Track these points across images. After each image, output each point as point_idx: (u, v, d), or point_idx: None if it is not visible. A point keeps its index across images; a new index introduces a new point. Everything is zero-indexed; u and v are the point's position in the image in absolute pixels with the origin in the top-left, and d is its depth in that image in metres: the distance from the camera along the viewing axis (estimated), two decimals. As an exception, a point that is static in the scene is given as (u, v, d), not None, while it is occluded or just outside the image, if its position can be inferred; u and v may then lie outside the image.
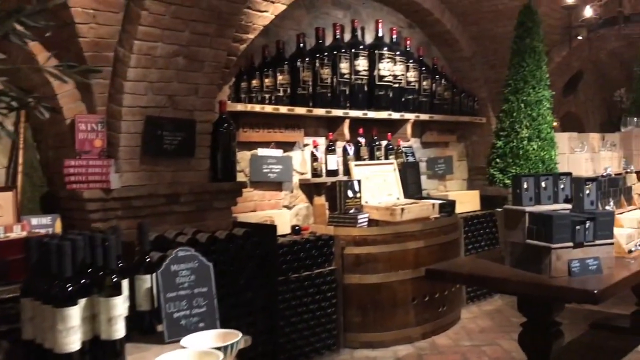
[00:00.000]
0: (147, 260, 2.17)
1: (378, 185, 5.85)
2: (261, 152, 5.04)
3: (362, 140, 5.84)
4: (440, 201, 5.97)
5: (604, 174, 4.04)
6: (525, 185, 3.58)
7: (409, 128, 6.22)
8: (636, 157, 4.93)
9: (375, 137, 5.99)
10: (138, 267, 2.16)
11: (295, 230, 5.06)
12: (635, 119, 5.31)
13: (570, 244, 3.37)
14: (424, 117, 6.38)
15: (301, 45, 5.24)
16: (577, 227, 3.37)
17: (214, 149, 4.18)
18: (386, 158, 6.12)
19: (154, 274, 2.14)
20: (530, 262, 3.49)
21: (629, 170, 4.47)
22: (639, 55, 5.84)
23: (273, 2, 4.16)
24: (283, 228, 4.98)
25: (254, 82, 4.85)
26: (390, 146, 6.16)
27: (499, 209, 3.82)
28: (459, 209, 6.69)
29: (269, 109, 4.86)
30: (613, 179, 4.14)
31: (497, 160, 3.79)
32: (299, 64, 5.13)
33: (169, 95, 3.76)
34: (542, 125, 3.67)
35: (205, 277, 2.24)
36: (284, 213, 5.10)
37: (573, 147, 4.03)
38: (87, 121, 3.55)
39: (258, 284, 3.97)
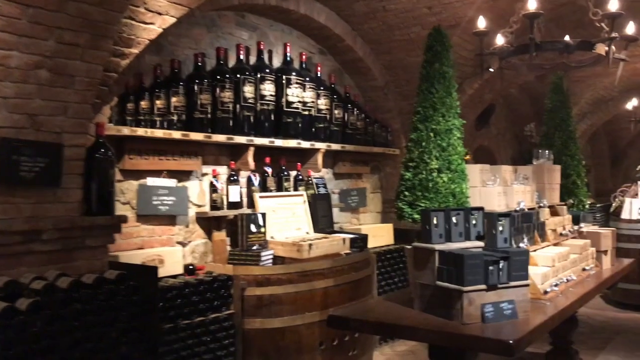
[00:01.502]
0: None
1: (286, 219, 5.42)
2: (151, 181, 4.49)
3: (268, 170, 5.41)
4: (351, 235, 5.61)
5: (517, 208, 3.80)
6: (434, 221, 3.27)
7: (319, 158, 5.87)
8: (548, 190, 4.79)
9: (284, 167, 5.59)
10: None
11: (189, 270, 4.52)
12: (546, 151, 5.21)
13: (483, 286, 3.07)
14: (335, 146, 6.05)
15: (200, 65, 4.78)
16: (490, 268, 3.07)
17: (88, 178, 3.61)
18: (295, 189, 5.72)
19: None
20: (441, 306, 3.15)
21: (542, 204, 4.28)
22: (549, 89, 5.83)
23: (160, 14, 3.70)
24: (174, 267, 4.44)
25: (143, 104, 4.33)
26: (300, 177, 5.77)
27: (408, 246, 3.48)
28: (373, 243, 6.37)
29: (159, 133, 4.35)
30: (526, 213, 3.91)
31: (406, 193, 3.47)
32: (196, 85, 4.67)
33: (30, 114, 3.19)
34: (453, 156, 3.39)
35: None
36: (176, 251, 4.55)
37: (485, 179, 3.79)
38: None
39: (136, 337, 3.40)
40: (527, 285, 3.20)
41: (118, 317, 3.30)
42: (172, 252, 4.50)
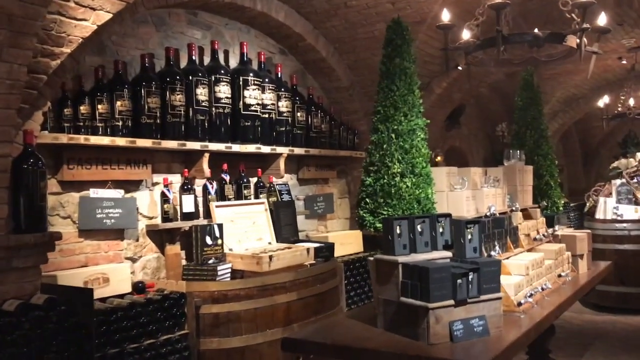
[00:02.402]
0: None
1: (245, 229, 5.09)
2: (94, 193, 4.13)
3: (226, 177, 5.07)
4: (316, 245, 5.30)
5: (488, 213, 3.53)
6: (397, 230, 2.98)
7: (281, 163, 5.55)
8: (521, 193, 4.54)
9: (243, 174, 5.26)
10: None
11: (139, 288, 4.17)
12: (517, 151, 4.98)
13: (451, 301, 2.78)
14: (298, 151, 5.75)
15: (147, 66, 4.44)
16: (459, 281, 2.79)
17: (15, 191, 3.25)
18: (256, 197, 5.39)
19: None
20: (406, 324, 2.86)
21: (514, 208, 4.03)
22: (519, 86, 5.61)
23: (94, 9, 3.35)
24: (121, 286, 4.08)
25: (83, 109, 3.98)
26: (261, 184, 5.45)
27: (371, 258, 3.19)
28: (341, 251, 6.07)
29: (101, 140, 3.99)
30: (497, 219, 3.65)
31: (367, 200, 3.17)
32: (143, 88, 4.32)
33: (-59, 121, 2.82)
34: (417, 158, 3.11)
35: None
36: (123, 267, 4.19)
37: (453, 183, 3.52)
38: None
39: (69, 367, 3.04)
40: (499, 298, 2.93)
41: (47, 346, 2.94)
42: (118, 269, 4.14)
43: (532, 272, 3.60)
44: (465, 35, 4.07)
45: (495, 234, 3.55)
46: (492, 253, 3.35)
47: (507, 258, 3.62)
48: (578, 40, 3.57)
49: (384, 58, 3.45)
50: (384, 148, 3.18)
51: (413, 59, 3.46)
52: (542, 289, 3.61)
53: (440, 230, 3.12)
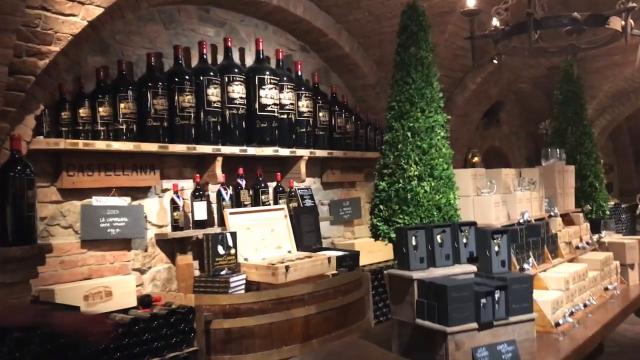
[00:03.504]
0: None
1: (263, 237, 4.79)
2: (97, 201, 3.90)
3: (242, 182, 4.79)
4: (338, 253, 4.97)
5: (521, 220, 3.12)
6: (413, 241, 2.61)
7: (302, 166, 5.24)
8: (561, 196, 4.08)
9: (261, 179, 4.97)
10: None
11: (144, 301, 3.92)
12: (557, 150, 4.51)
13: (474, 324, 2.40)
14: (321, 153, 5.42)
15: (153, 66, 4.19)
16: (483, 301, 2.41)
17: (1, 201, 3.03)
18: (275, 203, 5.09)
19: None
20: (422, 350, 2.49)
21: (552, 213, 3.60)
22: (559, 78, 5.15)
23: (83, 4, 3.10)
24: (125, 300, 3.84)
25: (82, 112, 3.75)
26: (281, 188, 5.15)
27: (388, 271, 2.83)
28: (368, 259, 5.73)
29: (102, 145, 3.75)
30: (532, 226, 3.23)
31: (381, 206, 2.83)
32: (149, 89, 4.08)
33: None
34: (436, 159, 2.74)
35: None
36: (127, 280, 3.94)
37: (479, 187, 3.13)
38: None
39: (55, 392, 2.79)
40: (531, 319, 2.53)
41: (28, 371, 2.69)
42: (122, 282, 3.89)
43: (573, 286, 3.17)
44: (494, 21, 3.67)
45: (530, 244, 3.14)
46: (525, 266, 2.95)
47: (544, 270, 3.20)
48: (623, 22, 3.12)
49: (398, 47, 3.09)
50: (398, 148, 2.82)
51: (431, 47, 3.08)
52: (585, 305, 3.18)
53: (464, 240, 2.74)
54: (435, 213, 2.78)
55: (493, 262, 2.64)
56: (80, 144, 3.65)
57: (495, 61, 4.91)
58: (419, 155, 2.81)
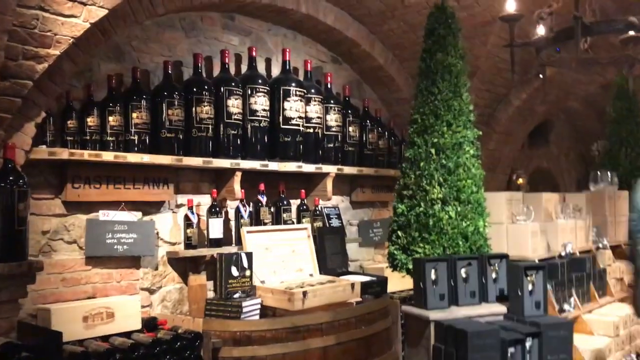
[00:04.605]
0: None
1: (283, 258, 4.48)
2: (104, 215, 3.69)
3: (263, 199, 4.51)
4: (365, 278, 4.62)
5: (563, 253, 2.72)
6: (432, 275, 2.26)
7: (329, 184, 4.93)
8: (612, 225, 3.62)
9: (283, 195, 4.68)
10: None
11: (150, 325, 3.66)
12: (608, 173, 4.05)
13: (500, 379, 2.02)
14: (349, 170, 5.10)
15: (169, 74, 3.99)
16: (511, 350, 2.03)
17: (-9, 213, 2.83)
18: (299, 222, 4.79)
19: None
20: (439, 405, 2.12)
21: (600, 245, 3.17)
22: (612, 94, 4.69)
23: (84, 4, 2.90)
24: (129, 322, 3.58)
25: (91, 121, 3.56)
26: (304, 206, 4.84)
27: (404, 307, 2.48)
28: (398, 285, 5.32)
29: (109, 156, 3.54)
30: (577, 259, 2.82)
31: (399, 232, 2.49)
32: (164, 99, 3.86)
33: None
34: (464, 180, 2.39)
35: None
36: (131, 301, 3.68)
37: (515, 213, 2.75)
38: None
39: None
40: (571, 374, 2.13)
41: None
42: (125, 303, 3.64)
43: (625, 332, 2.74)
44: (539, 30, 3.29)
45: (573, 280, 2.74)
46: (566, 307, 2.54)
47: (589, 312, 2.78)
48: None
49: (423, 53, 2.77)
50: (420, 167, 2.48)
51: (461, 53, 2.74)
52: (639, 355, 2.74)
53: (493, 275, 2.38)
54: (460, 242, 2.42)
55: (525, 303, 2.26)
56: (86, 154, 3.45)
57: (541, 76, 4.52)
58: (443, 176, 2.47)
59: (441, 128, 2.50)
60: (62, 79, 3.23)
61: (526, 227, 2.74)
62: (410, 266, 2.51)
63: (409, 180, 2.60)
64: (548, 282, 2.49)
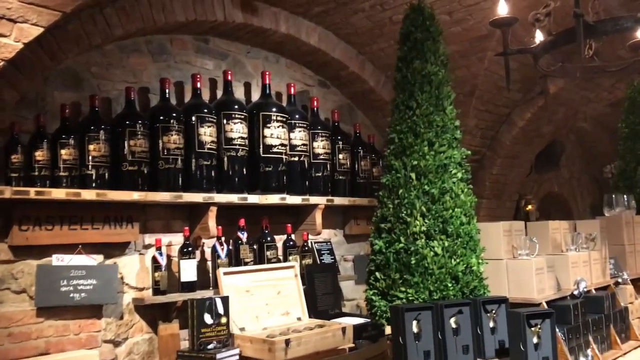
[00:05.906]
0: None
1: (267, 301, 4.04)
2: (57, 260, 3.29)
3: (243, 236, 4.10)
4: (359, 320, 4.15)
5: (575, 292, 2.27)
6: (414, 327, 1.83)
7: (317, 216, 4.51)
8: (631, 255, 3.15)
9: (267, 231, 4.27)
10: None
11: (109, 383, 3.23)
12: (624, 196, 3.60)
13: None
14: (340, 201, 4.69)
15: (131, 102, 3.63)
16: None
17: None
18: (285, 259, 4.37)
19: None
20: None
21: (620, 279, 2.72)
22: (623, 108, 4.29)
23: (14, 22, 2.56)
24: (84, 382, 3.16)
25: (39, 155, 3.19)
26: (291, 242, 4.42)
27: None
28: (399, 326, 4.87)
29: (59, 194, 3.16)
30: (593, 298, 2.37)
31: (377, 274, 2.06)
32: (125, 129, 3.50)
33: None
34: (451, 209, 1.97)
35: None
36: (92, 355, 3.26)
37: (516, 246, 2.32)
38: None
39: None
40: None
41: None
42: (84, 358, 3.22)
43: (655, 386, 2.27)
44: (537, 35, 2.90)
45: (589, 324, 2.28)
46: (582, 359, 2.08)
47: (612, 362, 2.32)
48: None
49: (399, 62, 2.38)
50: (399, 195, 2.07)
51: (442, 60, 2.35)
52: (674, 414, 2.26)
53: (490, 325, 1.94)
54: (449, 284, 1.99)
55: (530, 357, 1.81)
56: (32, 192, 3.07)
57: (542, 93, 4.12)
58: (426, 205, 2.05)
59: (422, 148, 2.10)
60: (4, 109, 2.87)
61: (530, 262, 2.30)
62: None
63: (387, 211, 2.18)
64: (559, 328, 2.05)
